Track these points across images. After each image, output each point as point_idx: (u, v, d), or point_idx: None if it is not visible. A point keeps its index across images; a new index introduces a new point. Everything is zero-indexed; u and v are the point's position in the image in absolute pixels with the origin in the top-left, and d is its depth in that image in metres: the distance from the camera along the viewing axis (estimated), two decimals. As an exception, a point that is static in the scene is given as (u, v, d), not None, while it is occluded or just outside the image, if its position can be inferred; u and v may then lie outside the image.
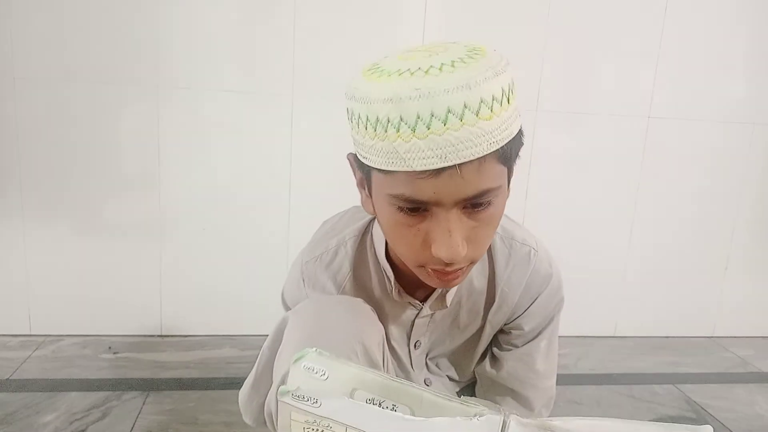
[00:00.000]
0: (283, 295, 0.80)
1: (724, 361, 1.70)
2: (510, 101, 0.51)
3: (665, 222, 1.75)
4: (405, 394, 0.44)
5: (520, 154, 0.56)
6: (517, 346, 0.80)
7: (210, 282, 1.59)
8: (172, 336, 1.60)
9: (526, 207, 1.63)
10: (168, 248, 1.55)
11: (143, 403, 1.25)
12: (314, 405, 0.43)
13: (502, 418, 0.40)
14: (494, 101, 0.49)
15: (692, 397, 1.45)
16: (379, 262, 0.72)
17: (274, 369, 0.67)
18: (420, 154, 0.49)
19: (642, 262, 1.76)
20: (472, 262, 0.58)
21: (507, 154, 0.53)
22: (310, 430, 0.44)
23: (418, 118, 0.48)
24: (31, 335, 1.55)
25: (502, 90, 0.50)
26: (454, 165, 0.49)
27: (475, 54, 0.51)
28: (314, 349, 0.46)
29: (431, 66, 0.49)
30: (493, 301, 0.77)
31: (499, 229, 0.73)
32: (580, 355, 1.66)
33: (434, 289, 0.72)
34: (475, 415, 0.41)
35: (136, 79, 1.44)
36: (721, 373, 1.61)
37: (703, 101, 1.68)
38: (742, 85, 1.69)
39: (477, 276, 0.75)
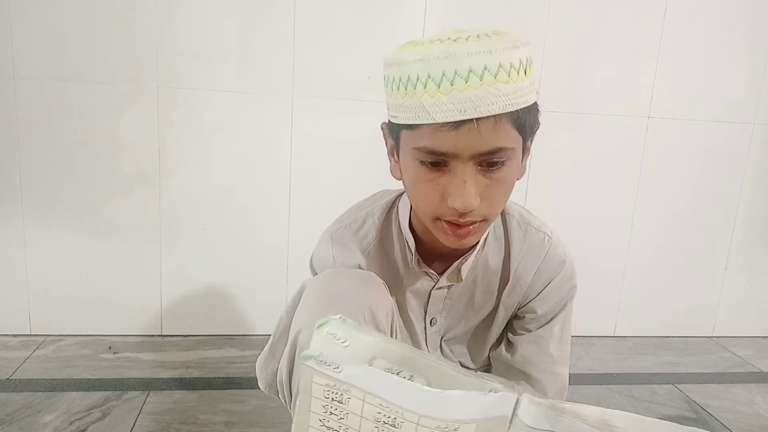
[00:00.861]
0: (311, 260, 0.84)
1: (724, 361, 1.70)
2: (527, 73, 0.57)
3: (665, 222, 1.75)
4: (423, 365, 0.46)
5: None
6: (530, 330, 0.82)
7: (210, 282, 1.59)
8: (172, 336, 1.60)
9: (526, 207, 1.63)
10: (168, 248, 1.55)
11: (143, 403, 1.25)
12: (336, 370, 0.45)
13: (516, 395, 0.41)
14: (512, 68, 0.55)
15: (692, 397, 1.45)
16: (402, 234, 0.77)
17: (290, 332, 0.70)
18: (443, 108, 0.55)
19: (642, 262, 1.76)
20: (484, 221, 0.63)
21: (521, 121, 0.58)
22: (330, 393, 0.46)
23: (443, 75, 0.54)
24: (31, 335, 1.55)
25: (520, 61, 0.56)
26: (472, 120, 0.55)
27: (500, 32, 0.58)
28: (338, 316, 0.48)
29: (459, 36, 0.56)
30: (507, 281, 0.80)
31: (516, 215, 0.79)
32: (580, 355, 1.66)
33: (452, 263, 0.76)
34: (490, 390, 0.42)
35: (136, 79, 1.44)
36: (721, 373, 1.61)
37: (703, 101, 1.68)
38: (742, 85, 1.69)
39: (493, 256, 0.79)
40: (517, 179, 0.65)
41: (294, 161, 1.54)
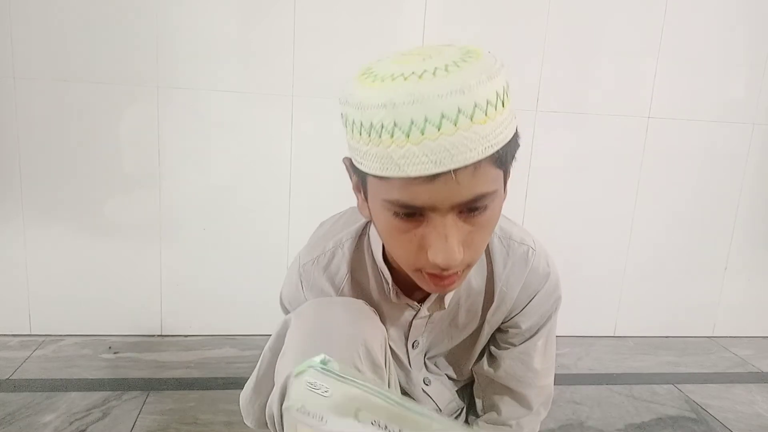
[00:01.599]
0: (281, 297, 0.80)
1: (724, 361, 1.70)
2: (505, 104, 0.51)
3: (665, 222, 1.75)
4: (411, 421, 0.44)
5: (517, 156, 0.56)
6: (514, 345, 0.80)
7: (210, 282, 1.59)
8: (172, 336, 1.60)
9: (526, 207, 1.63)
10: (168, 248, 1.55)
11: (143, 403, 1.25)
12: (321, 422, 0.43)
13: None
14: (489, 105, 0.49)
15: (692, 397, 1.45)
16: (376, 264, 0.72)
17: (275, 372, 0.67)
18: (414, 160, 0.48)
19: (642, 262, 1.76)
20: (469, 266, 0.59)
21: (503, 158, 0.52)
22: None
23: (412, 123, 0.48)
24: (31, 335, 1.55)
25: (497, 93, 0.50)
26: (449, 170, 0.49)
27: (469, 57, 0.51)
28: (318, 360, 0.46)
29: (425, 70, 0.49)
30: (492, 301, 0.77)
31: (497, 229, 0.73)
32: (580, 355, 1.66)
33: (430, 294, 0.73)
34: None
35: (136, 79, 1.44)
36: (721, 373, 1.61)
37: (703, 101, 1.68)
38: (742, 85, 1.69)
39: (475, 276, 0.75)
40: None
41: (294, 161, 1.54)
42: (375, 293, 0.74)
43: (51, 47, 1.40)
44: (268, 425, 0.70)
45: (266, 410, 0.70)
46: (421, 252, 0.55)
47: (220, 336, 1.61)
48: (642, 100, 1.65)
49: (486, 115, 0.49)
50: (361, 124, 0.51)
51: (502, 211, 0.64)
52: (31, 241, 1.50)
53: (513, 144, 0.54)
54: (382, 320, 0.74)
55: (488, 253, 0.74)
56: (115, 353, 1.49)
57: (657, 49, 1.62)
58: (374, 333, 0.67)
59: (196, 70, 1.46)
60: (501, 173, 0.54)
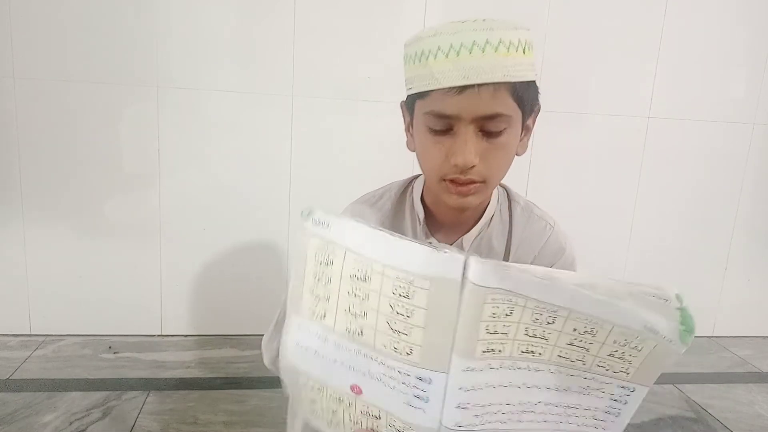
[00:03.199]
0: None
1: (724, 361, 1.70)
2: (525, 53, 0.65)
3: (665, 222, 1.75)
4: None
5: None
6: None
7: (210, 282, 1.59)
8: (172, 336, 1.60)
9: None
10: (168, 248, 1.55)
11: (143, 403, 1.25)
12: (325, 228, 0.50)
13: (464, 257, 0.45)
14: (511, 44, 0.63)
15: (692, 397, 1.45)
16: (414, 209, 0.82)
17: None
18: (449, 74, 0.63)
19: (642, 261, 1.76)
20: (484, 183, 0.69)
21: (519, 94, 0.65)
22: (320, 255, 0.51)
23: (451, 47, 0.63)
24: (31, 335, 1.55)
25: (519, 40, 0.64)
26: (474, 85, 0.62)
27: (506, 19, 0.66)
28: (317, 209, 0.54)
29: (467, 19, 0.65)
30: (507, 260, 0.82)
31: (521, 202, 0.85)
32: (580, 355, 1.65)
33: (457, 237, 0.80)
34: (442, 250, 0.46)
35: (136, 79, 1.44)
36: (721, 373, 1.61)
37: (703, 101, 1.68)
38: (742, 85, 1.69)
39: (497, 237, 0.83)
40: (518, 155, 0.71)
41: (294, 161, 1.54)
42: (408, 232, 0.84)
43: (51, 47, 1.40)
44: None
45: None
46: (446, 161, 0.67)
47: (220, 336, 1.61)
48: (642, 100, 1.65)
49: (508, 50, 0.63)
50: (415, 53, 0.67)
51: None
52: (31, 242, 1.50)
53: (530, 91, 0.67)
54: None
55: (510, 218, 0.83)
56: (115, 353, 1.49)
57: (657, 49, 1.62)
58: None
59: (196, 70, 1.46)
60: (518, 110, 0.66)
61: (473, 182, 0.68)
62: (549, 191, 1.65)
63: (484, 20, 0.65)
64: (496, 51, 0.63)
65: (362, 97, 1.51)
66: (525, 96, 0.66)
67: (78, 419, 1.18)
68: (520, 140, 0.71)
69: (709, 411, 1.38)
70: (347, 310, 0.51)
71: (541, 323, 0.45)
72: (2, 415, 1.18)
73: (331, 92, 1.51)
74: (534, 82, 0.68)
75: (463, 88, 0.63)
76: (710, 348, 1.78)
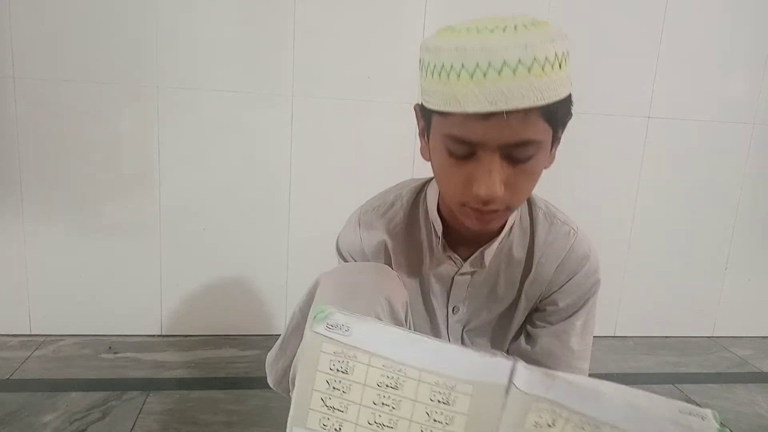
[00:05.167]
0: (338, 243, 0.85)
1: (724, 361, 1.70)
2: (561, 67, 0.57)
3: (665, 222, 1.75)
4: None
5: (561, 144, 0.63)
6: (551, 323, 0.82)
7: (210, 282, 1.59)
8: (172, 336, 1.60)
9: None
10: (168, 248, 1.55)
11: (143, 403, 1.25)
12: (345, 333, 0.47)
13: (512, 362, 0.43)
14: (546, 62, 0.55)
15: (692, 397, 1.45)
16: (429, 218, 0.78)
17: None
18: (474, 99, 0.55)
19: (642, 262, 1.76)
20: (509, 209, 0.64)
21: (552, 114, 0.58)
22: (336, 363, 0.47)
23: (477, 66, 0.55)
24: (31, 335, 1.55)
25: (555, 55, 0.56)
26: (502, 111, 0.55)
27: (538, 23, 0.58)
28: (330, 307, 0.49)
29: (497, 26, 0.56)
30: (530, 272, 0.80)
31: (543, 206, 0.82)
32: (580, 355, 1.66)
33: (476, 249, 0.77)
34: (486, 354, 0.44)
35: (136, 79, 1.44)
36: (721, 373, 1.61)
37: (703, 101, 1.68)
38: (742, 85, 1.69)
39: (517, 246, 0.79)
40: (545, 168, 0.66)
41: (294, 161, 1.54)
42: (424, 245, 0.80)
43: (51, 47, 1.40)
44: (290, 387, 0.72)
45: (288, 372, 0.72)
46: (467, 187, 0.61)
47: (220, 336, 1.61)
48: (642, 100, 1.65)
49: (543, 70, 0.55)
50: (434, 66, 0.58)
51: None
52: (31, 242, 1.50)
53: (564, 106, 0.60)
54: (427, 272, 0.80)
55: (532, 225, 0.80)
56: (115, 353, 1.49)
57: (657, 49, 1.62)
58: (398, 293, 0.71)
59: (196, 70, 1.46)
60: (549, 129, 0.60)
61: (497, 210, 0.63)
62: (548, 191, 1.65)
63: (515, 28, 0.56)
64: (529, 72, 0.55)
65: (362, 97, 1.51)
66: (558, 113, 0.60)
67: (78, 419, 1.18)
68: (549, 153, 0.65)
69: (709, 411, 1.38)
70: (372, 421, 0.46)
71: None
72: (2, 415, 1.18)
73: (331, 92, 1.51)
74: (569, 94, 0.61)
75: (489, 114, 0.56)
76: (710, 348, 1.78)
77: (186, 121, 1.48)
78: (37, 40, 1.39)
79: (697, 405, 0.42)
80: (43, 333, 1.55)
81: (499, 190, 0.59)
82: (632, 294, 1.78)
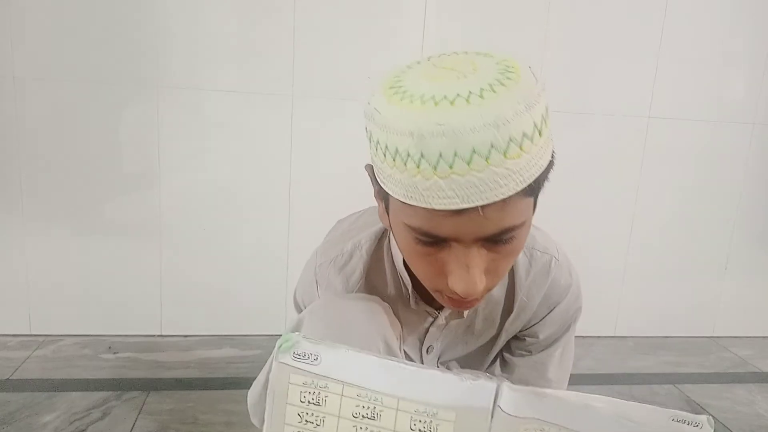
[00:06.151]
0: (295, 296, 0.79)
1: (724, 361, 1.69)
2: (542, 133, 0.48)
3: (665, 222, 1.75)
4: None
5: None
6: (530, 353, 0.79)
7: (210, 282, 1.59)
8: (172, 336, 1.60)
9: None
10: (168, 248, 1.55)
11: (143, 403, 1.25)
12: (314, 362, 0.44)
13: (495, 385, 0.41)
14: (524, 138, 0.46)
15: (692, 397, 1.45)
16: (396, 268, 0.70)
17: None
18: (440, 194, 0.46)
19: (642, 261, 1.76)
20: (489, 290, 0.57)
21: (535, 188, 0.50)
22: (306, 394, 0.44)
23: (440, 156, 0.45)
24: (31, 335, 1.55)
25: (534, 124, 0.47)
26: (477, 207, 0.46)
27: (508, 79, 0.47)
28: (298, 334, 0.46)
29: (458, 95, 0.46)
30: (511, 311, 0.75)
31: None
32: (580, 355, 1.65)
33: None
34: (468, 378, 0.42)
35: (136, 79, 1.44)
36: (721, 373, 1.61)
37: (703, 101, 1.68)
38: (742, 85, 1.69)
39: (496, 287, 0.73)
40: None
41: (294, 161, 1.54)
42: (392, 295, 0.72)
43: (51, 47, 1.40)
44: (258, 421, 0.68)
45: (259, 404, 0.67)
46: (441, 276, 0.53)
47: (220, 336, 1.61)
48: (642, 100, 1.65)
49: (521, 149, 0.46)
50: (386, 147, 0.48)
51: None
52: (31, 242, 1.50)
53: (547, 171, 0.52)
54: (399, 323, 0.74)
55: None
56: (115, 353, 1.49)
57: (657, 49, 1.62)
58: (392, 328, 0.66)
59: (196, 70, 1.46)
60: (531, 202, 0.52)
61: (477, 299, 0.55)
62: (548, 191, 1.64)
63: (481, 94, 0.45)
64: (505, 156, 0.45)
65: (362, 97, 1.51)
66: (541, 182, 0.51)
67: (78, 419, 1.18)
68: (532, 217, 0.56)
69: (709, 411, 1.38)
70: None
71: None
72: (2, 415, 1.18)
73: (332, 92, 1.51)
74: (552, 153, 0.52)
75: (461, 210, 0.46)
76: (710, 348, 1.78)
77: (186, 121, 1.48)
78: (37, 40, 1.39)
79: (698, 405, 0.42)
80: (43, 333, 1.55)
81: (479, 284, 0.50)
82: (632, 294, 1.78)
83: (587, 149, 1.65)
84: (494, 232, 0.49)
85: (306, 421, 0.44)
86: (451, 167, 0.44)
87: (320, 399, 0.44)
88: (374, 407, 0.43)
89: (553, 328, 0.77)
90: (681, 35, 1.62)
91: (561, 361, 0.80)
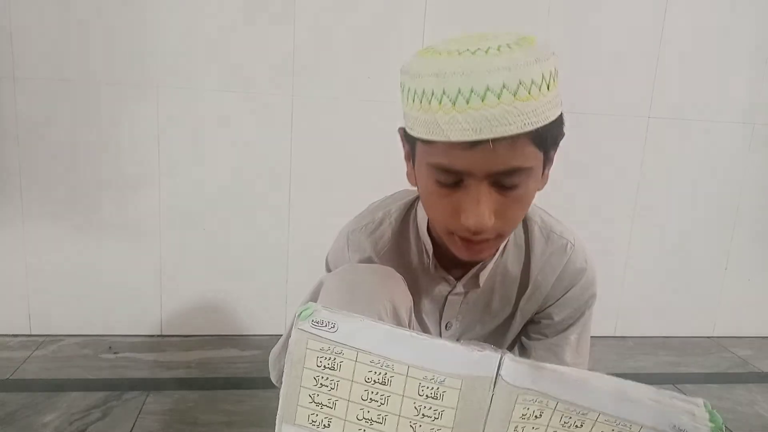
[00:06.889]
0: (327, 259, 0.84)
1: (724, 361, 1.70)
2: (550, 88, 0.55)
3: (665, 222, 1.75)
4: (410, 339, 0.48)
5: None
6: (546, 336, 0.82)
7: (210, 282, 1.59)
8: (172, 336, 1.60)
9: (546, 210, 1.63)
10: (168, 248, 1.55)
11: (143, 403, 1.25)
12: (331, 330, 0.47)
13: (499, 355, 0.44)
14: (533, 84, 0.53)
15: (692, 397, 1.44)
16: (420, 236, 0.76)
17: None
18: (457, 126, 0.53)
19: (642, 262, 1.76)
20: (500, 236, 0.62)
21: (541, 138, 0.56)
22: (323, 359, 0.47)
23: (459, 92, 0.52)
24: (31, 335, 1.55)
25: (543, 76, 0.54)
26: (488, 139, 0.53)
27: (523, 41, 0.55)
28: (317, 305, 0.49)
29: (479, 48, 0.53)
30: (526, 288, 0.79)
31: (538, 220, 0.78)
32: (580, 355, 1.66)
33: (470, 269, 0.75)
34: (475, 349, 0.44)
35: (136, 79, 1.44)
36: (721, 373, 1.61)
37: (703, 101, 1.68)
38: (742, 85, 1.69)
39: (512, 262, 0.78)
40: (538, 190, 0.64)
41: (294, 161, 1.54)
42: (415, 263, 0.78)
43: (51, 47, 1.40)
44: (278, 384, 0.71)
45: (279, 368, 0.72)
46: (455, 216, 0.59)
47: (220, 336, 1.61)
48: (642, 100, 1.65)
49: (529, 93, 0.53)
50: (414, 92, 0.56)
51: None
52: (31, 241, 1.50)
53: (555, 128, 0.59)
54: (419, 292, 0.78)
55: (527, 240, 0.78)
56: (115, 353, 1.49)
57: (657, 49, 1.62)
58: (403, 297, 0.70)
59: (196, 70, 1.46)
60: (539, 154, 0.58)
61: (487, 240, 0.61)
62: (548, 191, 1.64)
63: (499, 49, 0.53)
64: (514, 97, 0.52)
65: (362, 97, 1.51)
66: (548, 136, 0.58)
67: (78, 419, 1.18)
68: (542, 175, 0.63)
69: (709, 411, 1.38)
70: (361, 417, 0.47)
71: (569, 426, 0.44)
72: (2, 415, 1.18)
73: (331, 92, 1.51)
74: (560, 115, 0.60)
75: (474, 143, 0.53)
76: (710, 348, 1.78)
77: (186, 121, 1.48)
78: (37, 40, 1.39)
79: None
80: (43, 333, 1.55)
81: (488, 220, 0.57)
82: (632, 294, 1.78)
83: (587, 149, 1.65)
84: (503, 169, 0.55)
85: (321, 384, 0.47)
86: (467, 102, 0.52)
87: (335, 364, 0.47)
88: (386, 373, 0.45)
89: (567, 310, 0.80)
90: (681, 35, 1.62)
91: (578, 347, 0.82)
